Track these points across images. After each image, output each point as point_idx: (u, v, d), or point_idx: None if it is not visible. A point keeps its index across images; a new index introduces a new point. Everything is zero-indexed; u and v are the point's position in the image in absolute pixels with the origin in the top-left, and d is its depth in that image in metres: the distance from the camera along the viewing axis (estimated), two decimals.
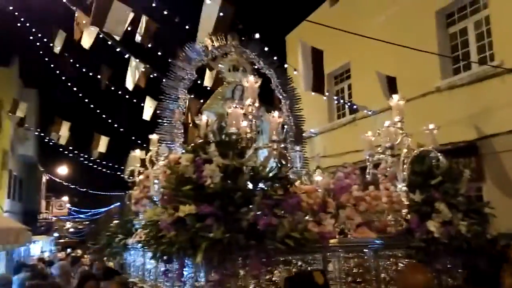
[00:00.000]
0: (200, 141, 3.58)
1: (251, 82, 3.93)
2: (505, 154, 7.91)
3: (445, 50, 9.40)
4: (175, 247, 3.15)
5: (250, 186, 3.41)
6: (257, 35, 6.55)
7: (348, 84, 12.85)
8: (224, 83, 6.20)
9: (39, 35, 11.55)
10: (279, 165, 3.64)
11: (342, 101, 12.25)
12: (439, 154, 4.29)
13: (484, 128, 8.29)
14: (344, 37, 7.81)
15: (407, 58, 8.68)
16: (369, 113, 10.70)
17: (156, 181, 5.13)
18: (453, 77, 9.22)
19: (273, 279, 3.42)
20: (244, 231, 3.18)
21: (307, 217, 3.81)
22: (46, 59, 12.68)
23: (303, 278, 2.91)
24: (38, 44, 11.74)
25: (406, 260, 3.93)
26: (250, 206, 3.28)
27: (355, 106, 11.09)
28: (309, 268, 3.56)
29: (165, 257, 3.51)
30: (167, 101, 5.85)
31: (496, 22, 8.48)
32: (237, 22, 6.58)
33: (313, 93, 7.72)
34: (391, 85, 8.94)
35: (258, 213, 3.26)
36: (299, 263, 3.55)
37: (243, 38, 6.31)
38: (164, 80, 5.75)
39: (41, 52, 12.21)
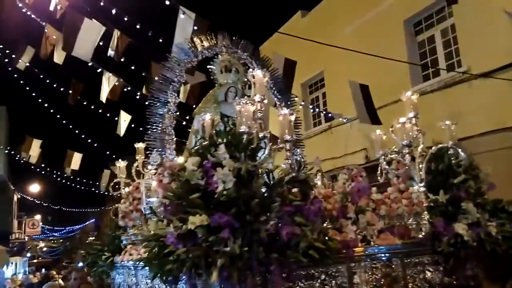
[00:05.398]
0: (206, 142, 3.16)
1: (259, 76, 3.53)
2: (475, 157, 7.98)
3: (414, 58, 9.68)
4: (187, 265, 2.70)
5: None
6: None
7: (322, 93, 12.96)
8: (216, 85, 5.79)
9: (7, 51, 11.01)
10: (294, 167, 3.26)
11: (317, 109, 12.21)
12: (459, 150, 3.99)
13: (455, 132, 8.36)
14: (317, 46, 7.92)
15: (378, 66, 8.75)
16: (344, 120, 10.62)
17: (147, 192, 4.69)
18: (423, 83, 9.47)
19: None
20: (264, 243, 2.78)
21: (324, 224, 3.44)
22: (15, 75, 12.12)
23: None
24: (6, 60, 11.20)
25: (433, 267, 3.60)
26: (268, 214, 2.88)
27: (330, 114, 11.01)
28: (333, 282, 3.18)
29: (170, 278, 3.06)
30: (156, 105, 5.39)
31: (461, 30, 8.79)
32: (211, 35, 6.35)
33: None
34: (364, 93, 8.89)
35: (277, 222, 2.87)
36: (322, 276, 3.16)
37: (233, 38, 5.92)
38: (138, 92, 5.30)
39: (9, 68, 11.64)
